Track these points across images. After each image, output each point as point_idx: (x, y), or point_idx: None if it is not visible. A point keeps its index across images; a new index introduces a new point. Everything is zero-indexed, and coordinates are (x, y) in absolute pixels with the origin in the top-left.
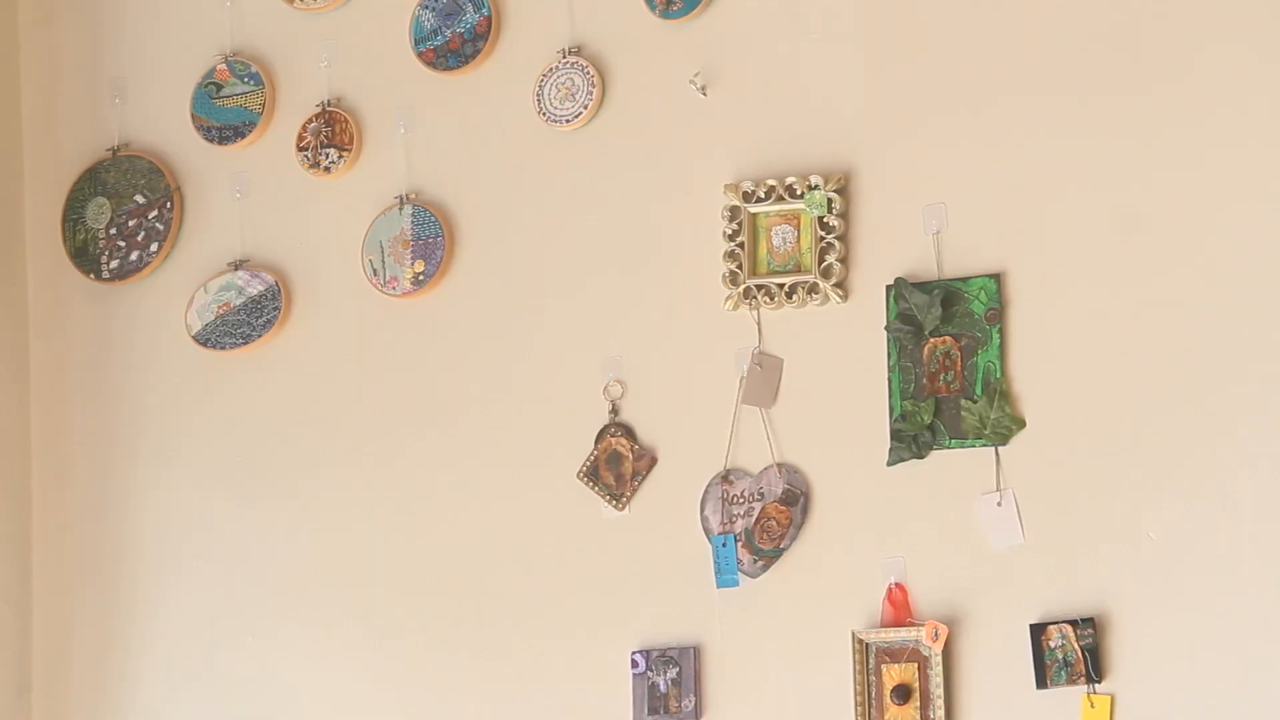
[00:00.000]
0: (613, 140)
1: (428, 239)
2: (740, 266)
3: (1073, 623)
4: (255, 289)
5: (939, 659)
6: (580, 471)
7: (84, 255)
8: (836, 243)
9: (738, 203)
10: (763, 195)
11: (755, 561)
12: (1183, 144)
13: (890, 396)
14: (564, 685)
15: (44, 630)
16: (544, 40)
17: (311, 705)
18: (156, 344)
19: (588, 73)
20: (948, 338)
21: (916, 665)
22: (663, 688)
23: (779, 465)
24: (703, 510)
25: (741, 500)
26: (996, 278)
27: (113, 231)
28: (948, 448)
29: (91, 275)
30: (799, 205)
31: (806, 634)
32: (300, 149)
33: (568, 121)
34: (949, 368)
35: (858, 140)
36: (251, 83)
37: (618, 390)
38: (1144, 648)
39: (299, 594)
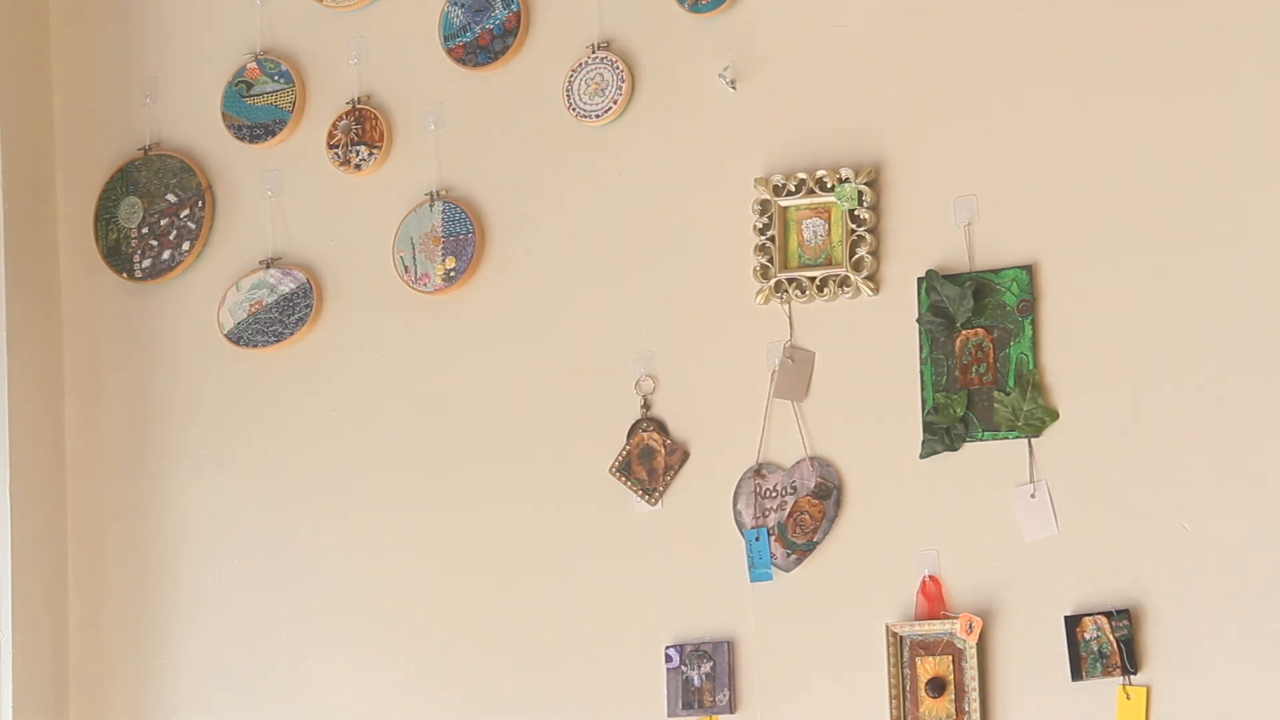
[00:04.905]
0: (642, 135)
1: (459, 235)
2: (771, 260)
3: (1108, 614)
4: (287, 287)
5: (973, 651)
6: (613, 467)
7: (116, 254)
8: (867, 235)
9: (768, 196)
10: (793, 189)
11: (788, 555)
12: (1216, 134)
13: (922, 389)
14: (598, 680)
15: (80, 630)
16: (573, 35)
17: (345, 702)
18: (189, 343)
19: (617, 67)
20: (980, 329)
21: (951, 658)
22: (697, 682)
23: (811, 459)
24: (735, 504)
25: (774, 494)
26: (1028, 269)
27: (145, 231)
28: (980, 440)
29: (124, 274)
30: (830, 198)
31: (840, 627)
32: (331, 146)
33: (597, 116)
34: (981, 360)
35: (888, 132)
36: (282, 81)
37: (649, 385)
38: (1180, 638)
39: (330, 590)
